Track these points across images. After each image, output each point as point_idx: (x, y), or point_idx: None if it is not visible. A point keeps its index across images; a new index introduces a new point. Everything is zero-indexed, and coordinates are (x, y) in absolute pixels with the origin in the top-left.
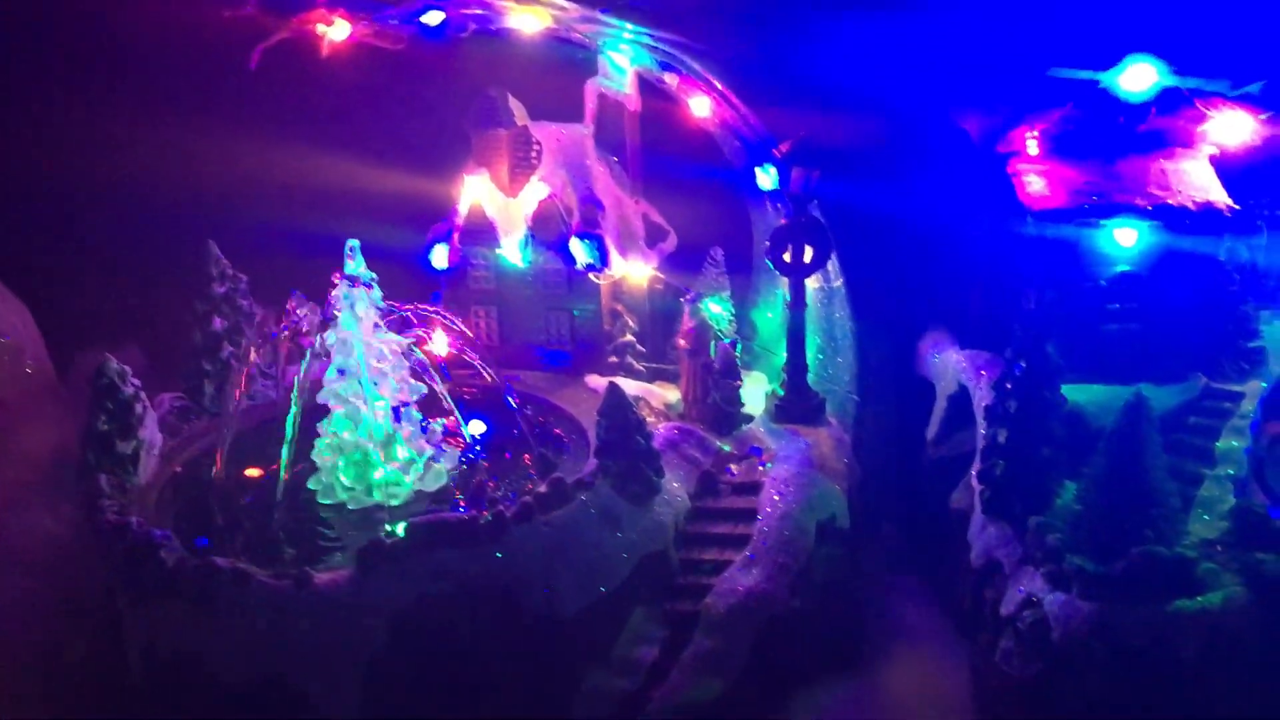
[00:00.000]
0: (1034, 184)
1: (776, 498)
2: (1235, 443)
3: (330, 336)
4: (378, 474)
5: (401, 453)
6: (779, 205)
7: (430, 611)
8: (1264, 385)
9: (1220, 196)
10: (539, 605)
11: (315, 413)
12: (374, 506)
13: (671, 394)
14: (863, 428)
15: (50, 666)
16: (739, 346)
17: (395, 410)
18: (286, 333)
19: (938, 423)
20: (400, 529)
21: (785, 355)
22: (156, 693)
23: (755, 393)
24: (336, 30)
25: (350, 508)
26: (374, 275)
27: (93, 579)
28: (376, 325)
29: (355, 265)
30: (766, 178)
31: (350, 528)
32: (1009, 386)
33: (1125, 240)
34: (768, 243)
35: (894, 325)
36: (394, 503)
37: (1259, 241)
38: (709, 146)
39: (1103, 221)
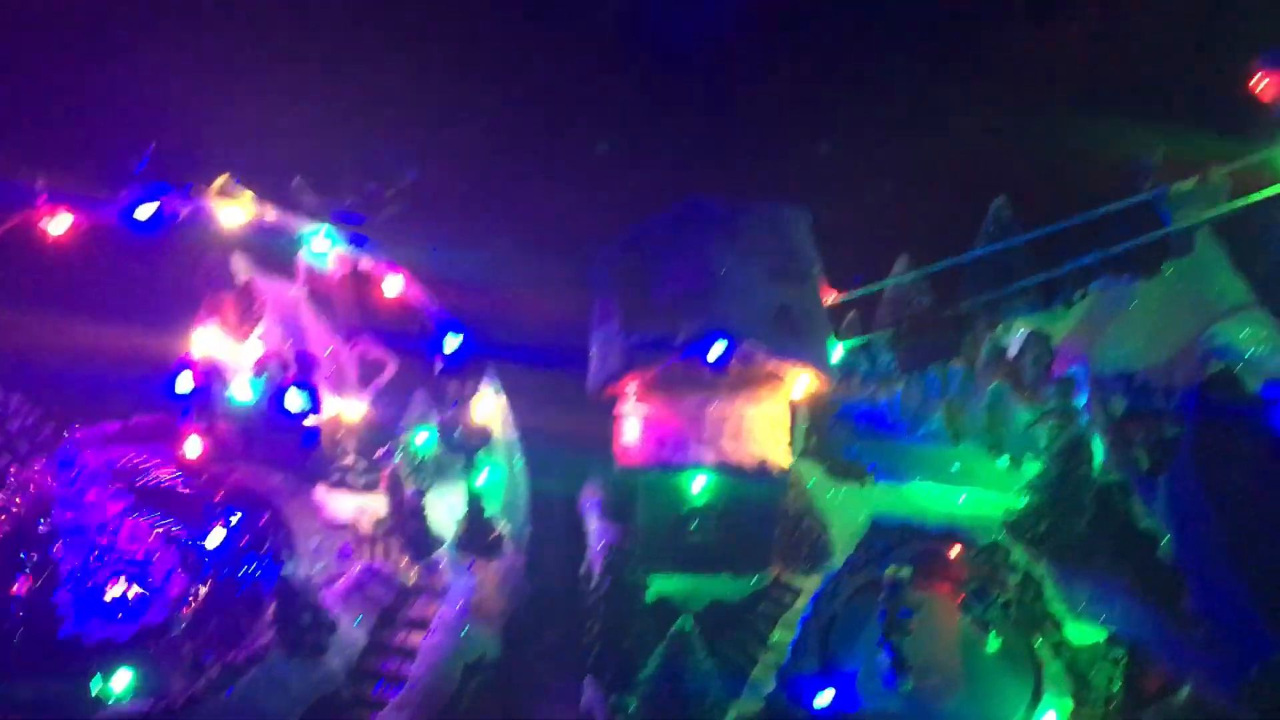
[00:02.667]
0: (629, 431)
1: (431, 645)
2: (783, 635)
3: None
4: None
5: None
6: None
7: None
8: (820, 580)
9: (775, 453)
10: None
11: None
12: None
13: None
14: (536, 552)
15: None
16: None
17: None
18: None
19: (587, 564)
20: None
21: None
22: None
23: (458, 507)
24: (57, 224)
25: None
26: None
27: None
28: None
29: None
30: (450, 344)
31: None
32: (600, 593)
33: (696, 486)
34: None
35: (562, 473)
36: None
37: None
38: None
39: (675, 473)
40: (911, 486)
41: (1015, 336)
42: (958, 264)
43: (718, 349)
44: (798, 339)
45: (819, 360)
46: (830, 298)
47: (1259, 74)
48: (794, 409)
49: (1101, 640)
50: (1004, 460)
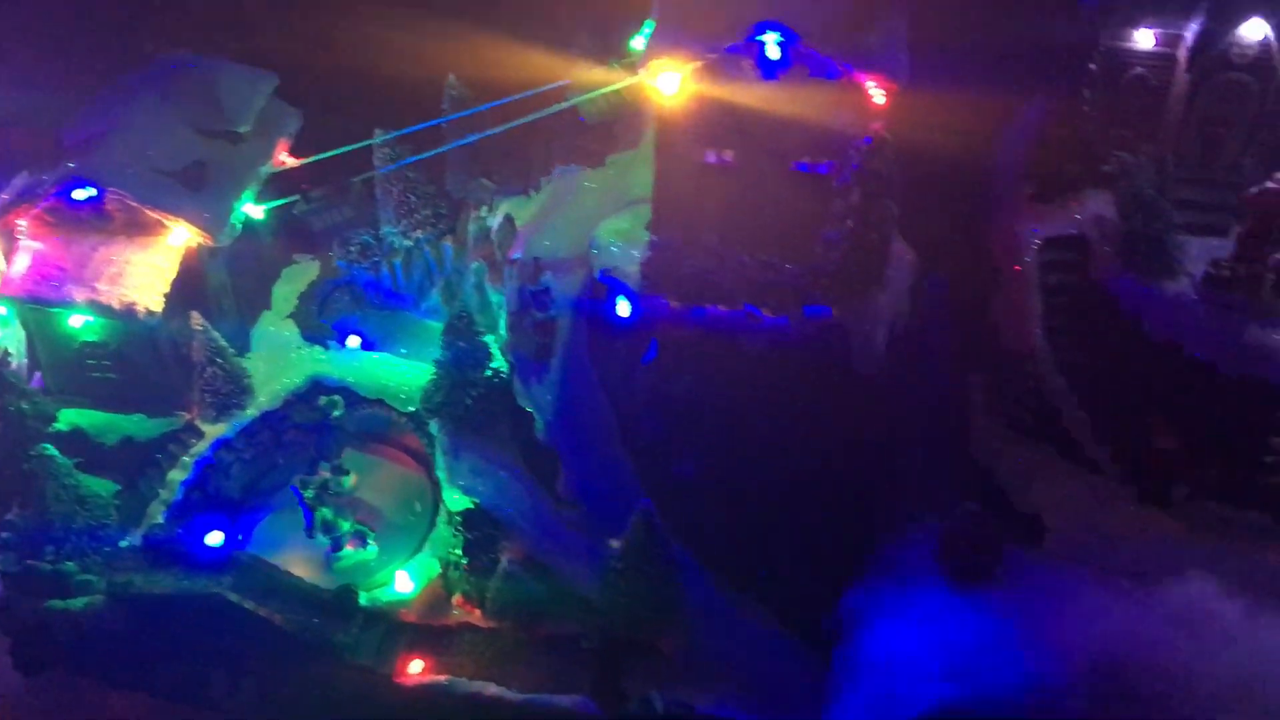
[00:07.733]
0: (17, 263)
1: None
2: (178, 474)
3: None
4: None
5: None
6: None
7: None
8: (226, 428)
9: (148, 298)
10: None
11: None
12: None
13: None
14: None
15: None
16: None
17: None
18: None
19: None
20: None
21: None
22: None
23: None
24: None
25: None
26: None
27: None
28: None
29: None
30: None
31: None
32: None
33: (76, 322)
34: None
35: None
36: None
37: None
38: None
39: (49, 309)
40: (370, 355)
41: (497, 218)
42: (412, 132)
43: (82, 194)
44: (198, 193)
45: (208, 215)
46: (289, 161)
47: None
48: (193, 257)
49: (469, 509)
50: (491, 337)
